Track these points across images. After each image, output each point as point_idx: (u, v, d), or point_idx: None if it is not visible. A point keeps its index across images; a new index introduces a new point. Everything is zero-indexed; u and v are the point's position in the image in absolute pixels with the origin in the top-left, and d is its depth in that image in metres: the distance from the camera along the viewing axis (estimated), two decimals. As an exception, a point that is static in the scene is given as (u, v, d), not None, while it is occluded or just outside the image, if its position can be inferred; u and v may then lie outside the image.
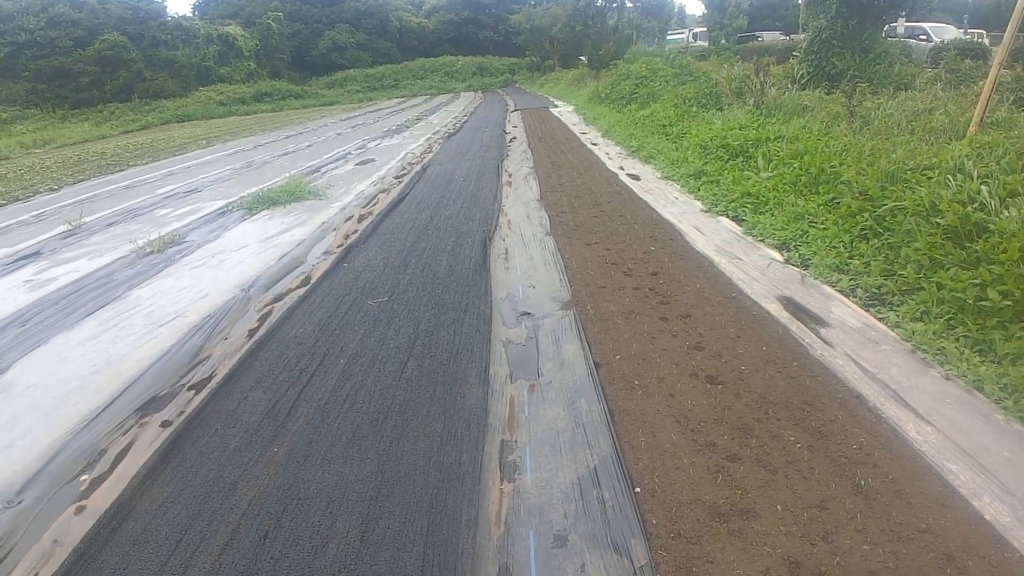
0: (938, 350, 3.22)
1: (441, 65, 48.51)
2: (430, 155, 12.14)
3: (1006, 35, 5.26)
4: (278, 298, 4.93)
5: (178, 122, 32.22)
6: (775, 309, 3.89)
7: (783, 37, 35.22)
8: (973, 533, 2.06)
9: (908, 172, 4.92)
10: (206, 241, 6.93)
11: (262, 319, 4.54)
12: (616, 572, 2.01)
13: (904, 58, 10.60)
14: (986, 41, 11.70)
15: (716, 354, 3.32)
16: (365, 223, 6.95)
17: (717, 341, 3.48)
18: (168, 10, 40.89)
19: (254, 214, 8.07)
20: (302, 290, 5.00)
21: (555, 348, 3.59)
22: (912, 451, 2.49)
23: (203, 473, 2.76)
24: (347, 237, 6.46)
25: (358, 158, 12.54)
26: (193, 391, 3.60)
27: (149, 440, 3.14)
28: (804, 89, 10.36)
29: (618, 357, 3.37)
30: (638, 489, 2.35)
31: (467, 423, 2.87)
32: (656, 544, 2.09)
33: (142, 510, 2.55)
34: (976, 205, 4.05)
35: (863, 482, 2.31)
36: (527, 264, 5.16)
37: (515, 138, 13.99)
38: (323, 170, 11.29)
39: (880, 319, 3.68)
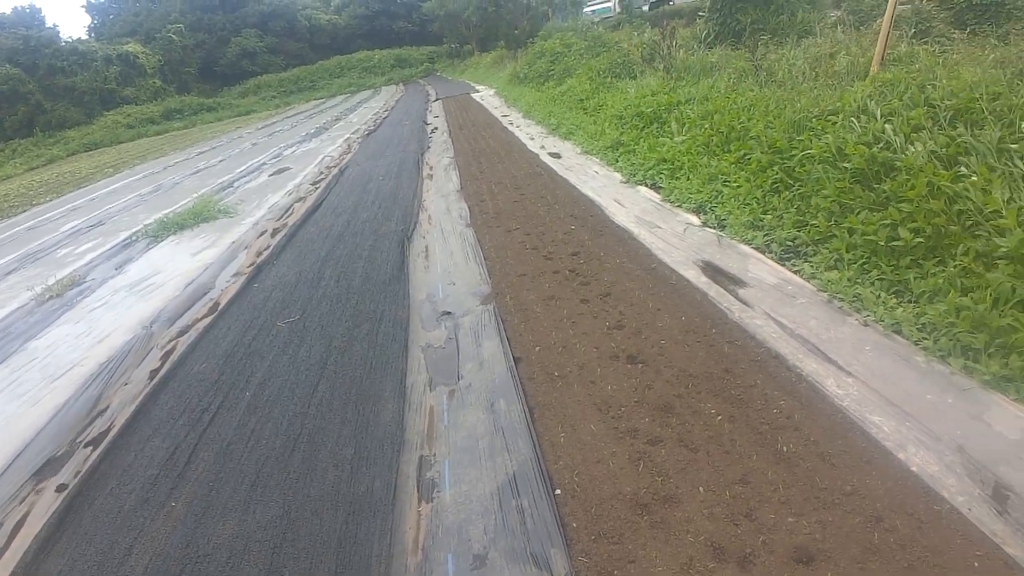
0: (854, 297, 3.22)
1: (358, 61, 47.20)
2: (348, 156, 11.73)
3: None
4: (183, 331, 4.60)
5: (86, 151, 30.40)
6: (693, 275, 3.83)
7: (692, -1, 35.76)
8: (900, 489, 2.02)
9: (814, 120, 4.94)
10: (108, 277, 6.46)
11: (165, 356, 4.21)
12: (538, 588, 1.88)
13: (807, 5, 10.77)
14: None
15: (636, 331, 3.23)
16: (278, 237, 6.60)
17: (637, 317, 3.39)
18: (61, 35, 38.25)
19: (160, 241, 7.59)
20: (209, 319, 4.67)
21: (475, 347, 3.43)
22: (833, 407, 2.45)
23: (98, 540, 2.51)
24: (259, 254, 6.11)
25: (273, 168, 12.00)
26: (90, 447, 3.30)
27: (45, 507, 2.87)
28: (711, 48, 10.43)
29: (538, 348, 3.24)
30: (558, 491, 2.23)
31: (381, 444, 2.69)
32: (577, 550, 1.96)
33: (33, 589, 2.30)
34: (882, 145, 4.07)
35: (785, 448, 2.25)
36: (447, 260, 4.97)
37: (436, 128, 13.68)
38: (236, 185, 10.74)
39: (796, 272, 3.67)
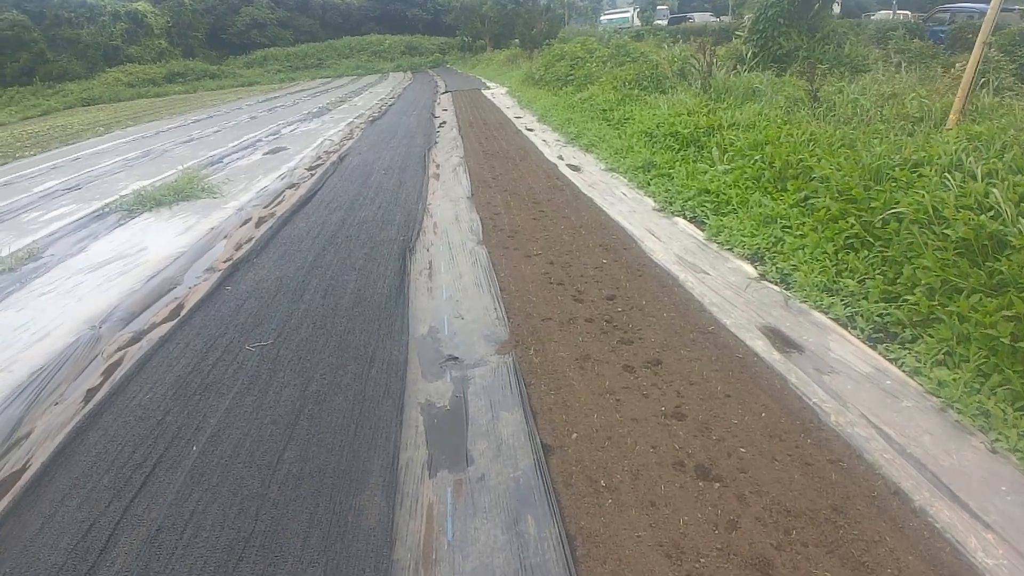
0: (977, 409, 2.52)
1: (368, 44, 46.12)
2: (350, 142, 10.92)
3: (990, 10, 4.67)
4: (136, 339, 3.80)
5: (83, 106, 29.24)
6: (763, 348, 3.12)
7: (713, 18, 35.33)
8: None
9: (896, 169, 4.26)
10: (68, 255, 5.61)
11: (108, 372, 3.42)
12: None
13: (853, 38, 10.14)
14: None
15: (703, 426, 2.50)
16: (263, 228, 5.80)
17: (701, 403, 2.66)
18: (72, -14, 37.27)
19: (133, 218, 6.75)
20: (168, 326, 3.88)
21: (490, 416, 2.68)
22: (996, 591, 1.74)
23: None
24: (239, 248, 5.31)
25: (269, 146, 11.15)
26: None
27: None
28: (751, 71, 9.77)
29: (575, 435, 2.49)
30: None
31: (360, 567, 1.93)
32: None
33: None
34: (991, 213, 3.39)
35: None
36: (455, 284, 4.22)
37: (445, 123, 12.90)
38: (225, 161, 9.89)
39: (892, 360, 2.97)
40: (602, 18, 41.09)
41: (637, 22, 38.14)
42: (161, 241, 5.72)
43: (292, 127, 13.75)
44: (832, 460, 2.29)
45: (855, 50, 9.48)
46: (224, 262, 4.98)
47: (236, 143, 11.86)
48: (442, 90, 21.67)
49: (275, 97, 24.06)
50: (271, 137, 12.35)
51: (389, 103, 17.95)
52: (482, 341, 3.37)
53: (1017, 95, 6.53)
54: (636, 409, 2.63)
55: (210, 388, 3.05)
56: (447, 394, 2.89)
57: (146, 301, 4.40)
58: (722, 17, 33.35)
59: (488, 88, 21.35)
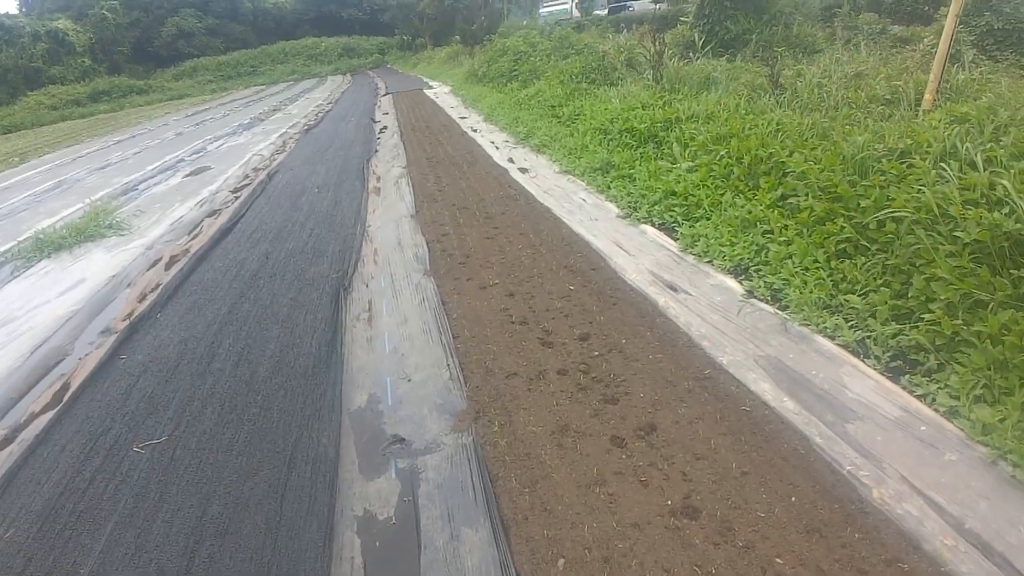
0: (1038, 462, 2.05)
1: (304, 48, 44.55)
2: (282, 156, 10.07)
3: (965, -21, 4.29)
4: (9, 437, 3.05)
5: (4, 134, 27.11)
6: (771, 393, 2.60)
7: (653, 6, 35.25)
8: None
9: (881, 160, 3.82)
10: (-48, 323, 4.72)
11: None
12: None
13: (800, 18, 9.84)
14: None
15: (723, 526, 1.94)
16: (173, 271, 5.01)
17: (715, 488, 2.10)
18: (-9, 9, 34.87)
19: (30, 267, 5.83)
20: (47, 417, 3.13)
21: (448, 535, 2.07)
22: None
23: None
24: (142, 299, 4.53)
25: (191, 166, 10.19)
26: None
27: None
28: (702, 58, 9.36)
29: (562, 562, 1.89)
30: None
31: None
32: None
33: None
34: (1006, 211, 2.95)
35: None
36: (399, 332, 3.57)
37: (386, 127, 12.14)
38: (141, 188, 8.92)
39: (920, 397, 2.49)
40: (541, 10, 40.68)
41: (576, 13, 37.82)
42: (55, 295, 4.87)
43: (219, 142, 12.74)
44: (889, 560, 1.77)
45: (803, 30, 9.18)
46: (123, 320, 4.21)
47: (156, 165, 10.84)
48: (383, 92, 20.78)
49: (205, 109, 22.74)
50: (195, 156, 11.36)
51: (326, 109, 17.01)
52: (434, 413, 2.74)
53: (990, 70, 6.24)
54: (636, 506, 2.05)
55: (85, 517, 2.34)
56: (392, 499, 2.26)
57: (28, 381, 3.61)
58: (659, 5, 33.24)
59: (431, 88, 20.56)
